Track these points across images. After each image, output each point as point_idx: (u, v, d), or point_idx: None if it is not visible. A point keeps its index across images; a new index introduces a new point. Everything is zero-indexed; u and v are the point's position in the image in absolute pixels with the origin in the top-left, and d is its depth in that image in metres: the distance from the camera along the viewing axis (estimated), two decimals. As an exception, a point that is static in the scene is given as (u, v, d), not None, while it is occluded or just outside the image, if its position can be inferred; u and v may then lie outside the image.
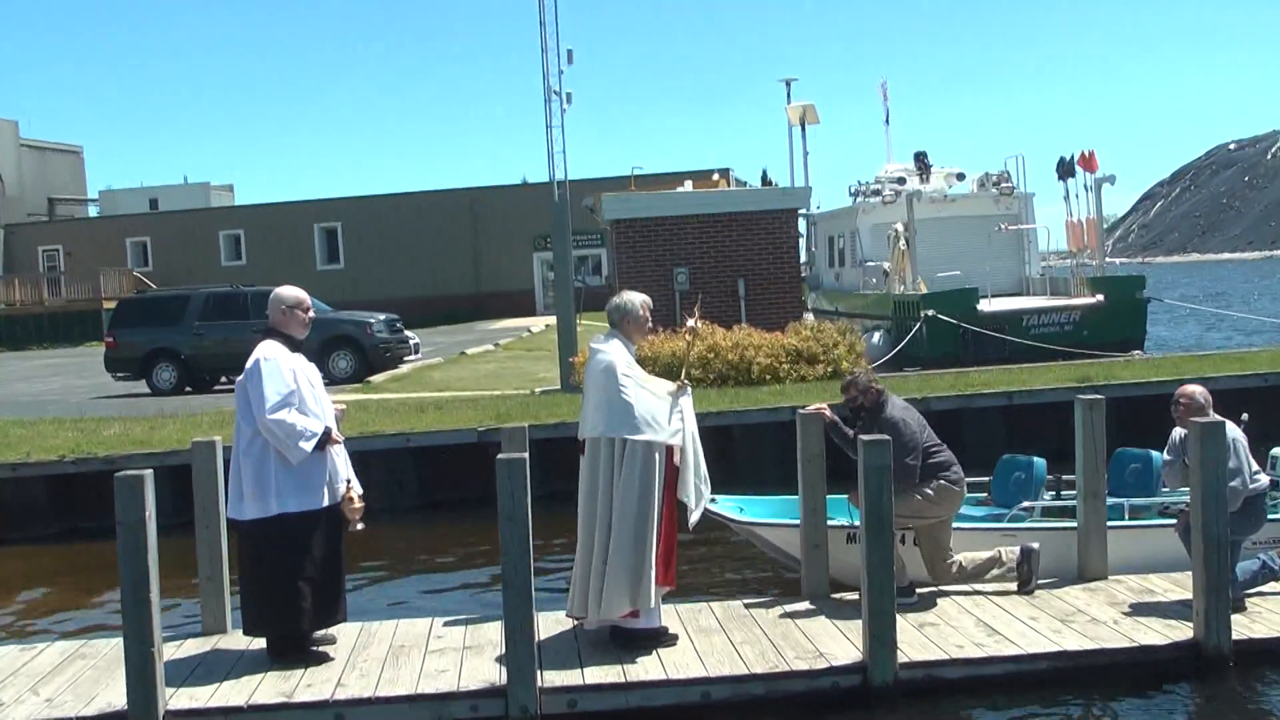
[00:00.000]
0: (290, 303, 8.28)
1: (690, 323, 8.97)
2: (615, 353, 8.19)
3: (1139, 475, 10.30)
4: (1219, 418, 8.68)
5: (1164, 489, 10.42)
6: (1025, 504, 10.26)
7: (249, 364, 8.01)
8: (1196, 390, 8.95)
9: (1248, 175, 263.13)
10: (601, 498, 8.10)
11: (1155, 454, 10.42)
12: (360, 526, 8.24)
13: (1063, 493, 10.71)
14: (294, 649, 8.26)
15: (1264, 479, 9.03)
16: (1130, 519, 10.04)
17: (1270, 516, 9.99)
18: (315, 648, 8.35)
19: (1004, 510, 10.26)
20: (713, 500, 9.21)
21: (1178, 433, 8.86)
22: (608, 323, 8.50)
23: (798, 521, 9.63)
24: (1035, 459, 10.51)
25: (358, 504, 8.16)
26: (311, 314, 8.47)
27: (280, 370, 7.96)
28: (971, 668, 7.93)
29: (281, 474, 7.96)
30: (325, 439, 8.04)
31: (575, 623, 8.55)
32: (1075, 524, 9.89)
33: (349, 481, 8.21)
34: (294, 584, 8.03)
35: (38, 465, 14.68)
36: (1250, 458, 8.87)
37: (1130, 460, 10.54)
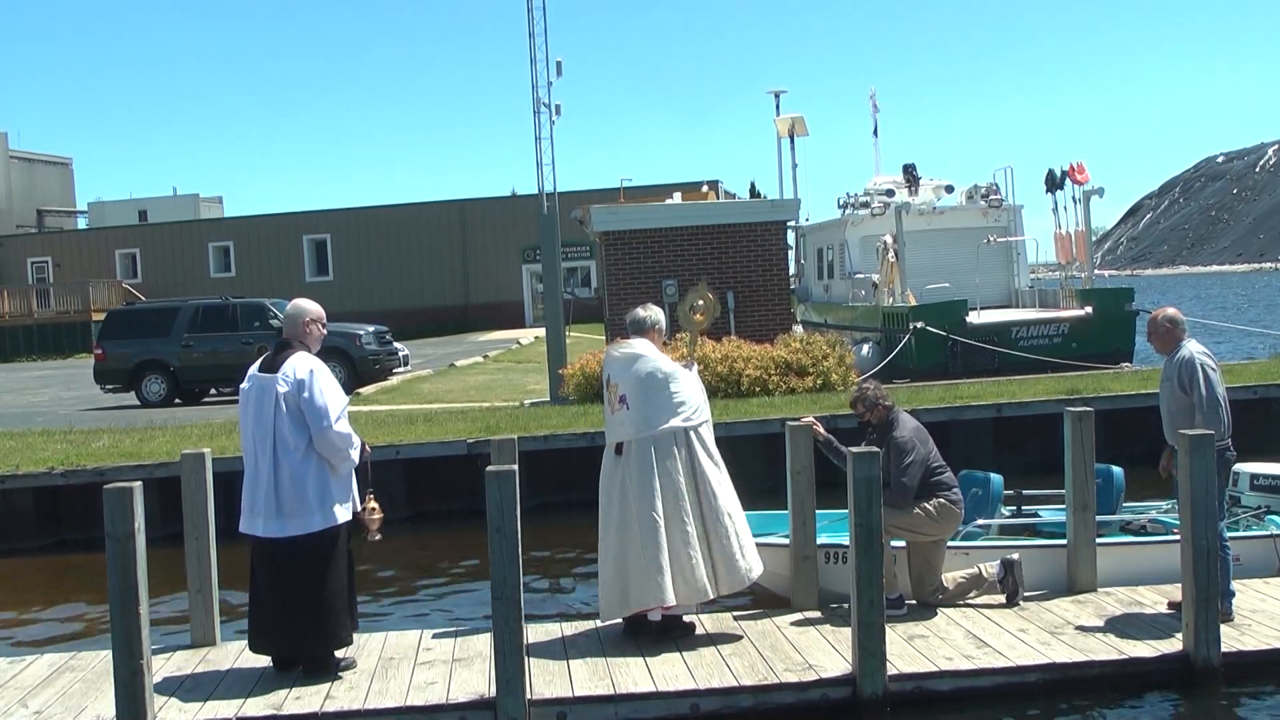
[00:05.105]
0: (314, 316, 8.23)
1: (696, 316, 9.49)
2: (655, 353, 8.60)
3: (1100, 491, 9.93)
4: (1195, 349, 8.69)
5: (1125, 505, 10.41)
6: (980, 521, 10.14)
7: (296, 375, 7.83)
8: (1164, 314, 8.96)
9: (1236, 188, 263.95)
10: (679, 486, 8.36)
11: (1116, 469, 10.38)
12: (379, 537, 8.29)
13: (1023, 508, 10.65)
14: (335, 661, 8.23)
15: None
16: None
17: (1259, 532, 9.99)
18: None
19: (959, 527, 10.14)
20: None
21: None
22: (632, 331, 8.82)
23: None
24: (992, 475, 10.35)
25: (380, 514, 8.22)
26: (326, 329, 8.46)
27: (333, 380, 7.98)
28: (961, 679, 7.94)
29: (334, 484, 7.96)
30: (362, 448, 8.13)
31: (645, 614, 8.53)
32: (1033, 541, 9.91)
33: (371, 491, 8.25)
34: (347, 593, 8.11)
35: (26, 477, 14.64)
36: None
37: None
